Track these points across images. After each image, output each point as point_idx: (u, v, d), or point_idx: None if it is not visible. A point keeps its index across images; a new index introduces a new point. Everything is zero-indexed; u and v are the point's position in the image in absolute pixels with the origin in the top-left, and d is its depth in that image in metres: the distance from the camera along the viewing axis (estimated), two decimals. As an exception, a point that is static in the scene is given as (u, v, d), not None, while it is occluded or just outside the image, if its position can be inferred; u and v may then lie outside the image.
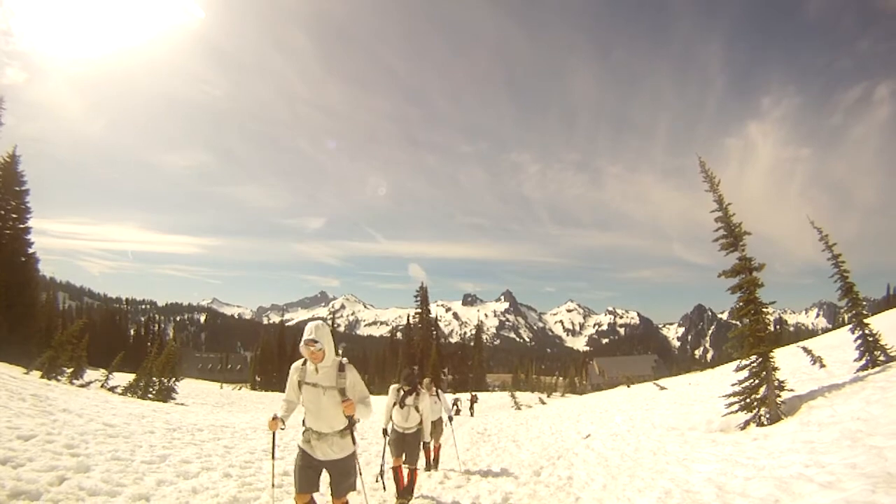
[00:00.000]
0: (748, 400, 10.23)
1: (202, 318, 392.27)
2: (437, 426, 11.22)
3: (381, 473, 8.18)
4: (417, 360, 75.97)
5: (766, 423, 9.80)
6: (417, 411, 8.25)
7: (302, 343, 5.17)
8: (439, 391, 11.01)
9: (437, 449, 11.46)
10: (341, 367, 5.35)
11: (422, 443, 8.96)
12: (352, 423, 5.44)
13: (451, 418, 11.43)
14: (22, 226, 31.46)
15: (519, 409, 35.63)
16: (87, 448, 7.71)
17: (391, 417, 8.59)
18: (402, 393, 8.67)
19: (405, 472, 8.37)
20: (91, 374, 23.61)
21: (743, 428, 10.02)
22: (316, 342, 5.13)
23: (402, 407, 8.61)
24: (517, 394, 45.07)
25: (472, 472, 10.66)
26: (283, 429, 5.68)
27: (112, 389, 21.02)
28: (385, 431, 8.58)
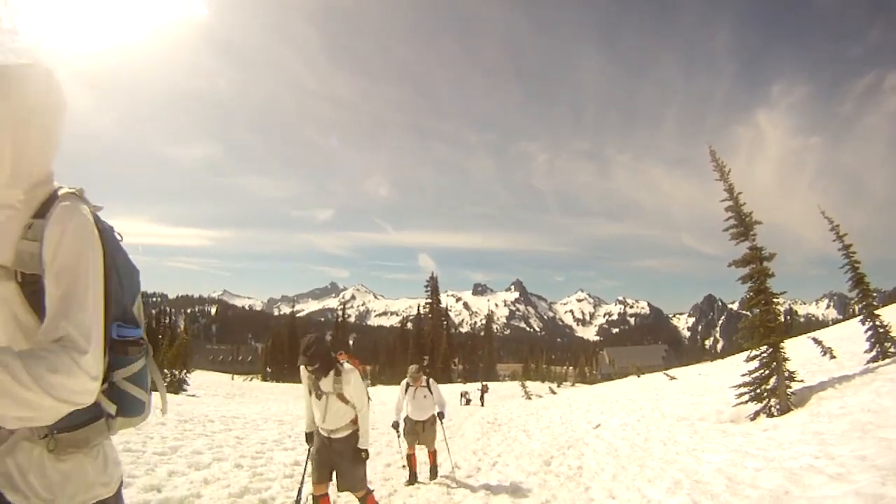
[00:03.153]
0: (758, 390, 10.20)
1: (213, 310, 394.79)
2: (428, 427, 9.23)
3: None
4: (428, 350, 76.14)
5: (776, 413, 9.77)
6: (344, 401, 5.27)
7: None
8: (431, 382, 9.37)
9: (433, 456, 9.46)
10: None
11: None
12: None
13: (441, 414, 9.41)
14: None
15: (529, 398, 35.65)
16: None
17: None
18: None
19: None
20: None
21: (753, 419, 9.99)
22: None
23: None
24: (527, 383, 45.12)
25: (482, 462, 10.69)
26: None
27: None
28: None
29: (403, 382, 9.29)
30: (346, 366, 5.38)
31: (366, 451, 5.47)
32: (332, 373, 5.23)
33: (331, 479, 5.51)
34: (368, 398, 5.67)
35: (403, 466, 9.49)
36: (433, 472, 9.39)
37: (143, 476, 7.00)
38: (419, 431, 9.15)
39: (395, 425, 9.10)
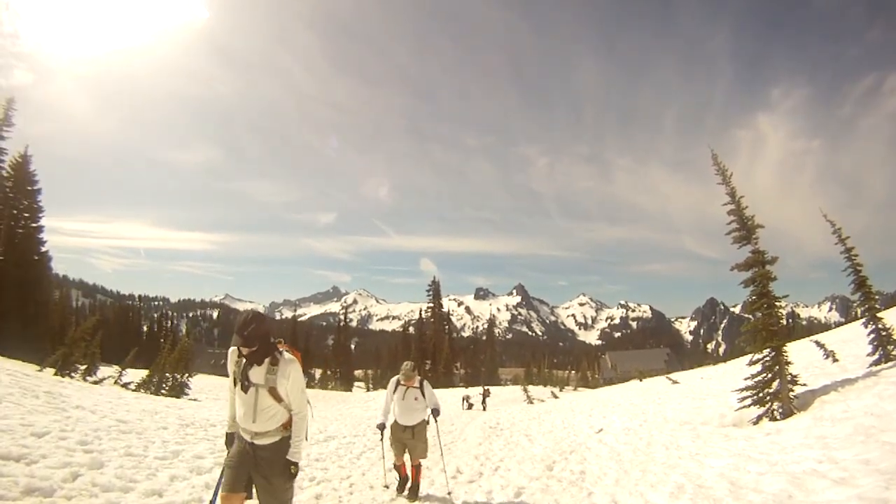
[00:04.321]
0: (761, 394, 10.19)
1: (215, 314, 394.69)
2: (417, 434, 8.01)
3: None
4: (430, 354, 76.11)
5: (778, 417, 9.76)
6: (276, 398, 4.46)
7: None
8: (425, 383, 8.14)
9: (416, 470, 8.22)
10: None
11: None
12: None
13: (435, 411, 8.18)
14: (34, 224, 31.82)
15: (531, 403, 35.60)
16: (100, 444, 7.77)
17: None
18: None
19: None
20: (104, 371, 23.75)
21: (755, 423, 9.99)
22: None
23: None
24: (529, 388, 45.01)
25: (484, 467, 10.67)
26: None
27: (125, 386, 21.14)
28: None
29: (392, 381, 8.10)
30: (286, 355, 4.55)
31: (296, 464, 4.62)
32: (267, 361, 4.47)
33: (247, 495, 4.54)
34: (308, 403, 4.80)
35: (387, 483, 8.60)
36: (412, 492, 8.05)
37: (144, 481, 6.98)
38: (407, 439, 7.95)
39: (381, 427, 7.89)
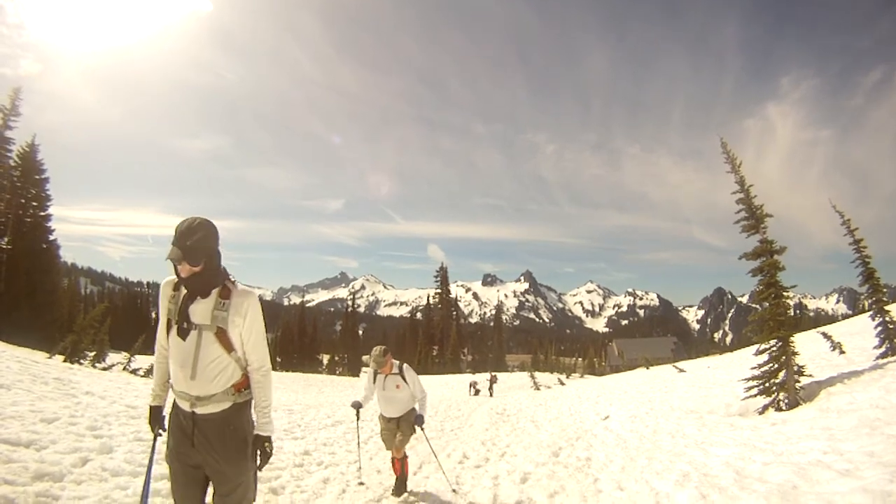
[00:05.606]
0: (767, 384, 10.20)
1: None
2: (403, 426, 7.16)
3: None
4: (437, 340, 76.35)
5: (784, 408, 9.77)
6: (226, 346, 3.25)
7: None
8: (405, 368, 7.13)
9: (400, 463, 7.29)
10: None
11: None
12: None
13: (420, 419, 7.11)
14: (43, 213, 32.14)
15: (538, 389, 35.68)
16: (109, 430, 7.81)
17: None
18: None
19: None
20: (113, 357, 23.93)
21: (761, 412, 10.00)
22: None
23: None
24: (536, 374, 45.07)
25: (491, 452, 10.74)
26: None
27: (134, 372, 21.27)
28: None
29: (370, 370, 7.20)
30: (241, 286, 3.40)
31: (268, 440, 3.42)
32: (215, 293, 3.27)
33: (204, 492, 3.34)
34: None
35: (362, 480, 7.84)
36: (399, 487, 7.23)
37: (154, 465, 7.07)
38: (393, 430, 7.19)
39: (357, 405, 7.20)
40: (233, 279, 3.41)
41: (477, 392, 33.32)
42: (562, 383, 43.14)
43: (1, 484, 4.76)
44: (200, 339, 3.20)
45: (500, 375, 47.06)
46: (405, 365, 7.16)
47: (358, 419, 7.63)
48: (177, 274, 3.21)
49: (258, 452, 3.42)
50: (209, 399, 3.24)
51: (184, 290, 3.28)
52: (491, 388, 34.99)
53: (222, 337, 3.23)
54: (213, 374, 3.22)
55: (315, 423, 12.98)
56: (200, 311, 3.23)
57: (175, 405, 3.38)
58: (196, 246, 3.09)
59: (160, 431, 3.54)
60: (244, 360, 3.37)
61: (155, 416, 3.54)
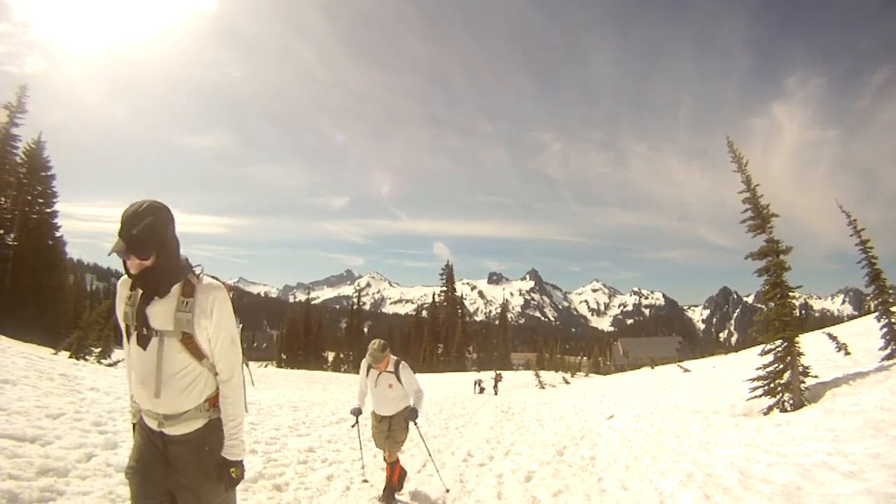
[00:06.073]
0: (772, 385, 10.19)
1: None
2: (395, 426, 6.79)
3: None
4: (442, 338, 76.40)
5: (789, 408, 9.77)
6: (195, 354, 2.76)
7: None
8: (401, 366, 6.74)
9: (392, 468, 6.96)
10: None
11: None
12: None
13: (414, 413, 6.80)
14: (49, 210, 32.17)
15: (543, 388, 35.70)
16: (114, 425, 7.82)
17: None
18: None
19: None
20: (119, 354, 23.92)
21: (766, 413, 9.99)
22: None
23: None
24: (541, 373, 45.10)
25: (495, 451, 10.74)
26: None
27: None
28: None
29: (364, 364, 6.83)
30: (207, 280, 2.84)
31: (238, 465, 2.87)
32: (176, 289, 2.74)
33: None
34: (246, 364, 3.07)
35: (366, 477, 7.74)
36: (387, 494, 6.79)
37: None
38: (384, 430, 6.80)
39: (356, 411, 6.97)
40: (198, 272, 2.85)
41: (482, 390, 33.28)
42: (566, 382, 43.13)
43: (6, 479, 4.78)
44: (163, 348, 2.69)
45: (505, 374, 47.07)
46: (402, 363, 6.78)
47: (357, 424, 7.34)
48: (126, 271, 2.67)
49: (225, 477, 2.84)
50: (179, 417, 2.75)
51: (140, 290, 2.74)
52: (496, 386, 34.96)
53: (189, 343, 2.73)
54: (181, 387, 2.72)
55: (319, 420, 12.99)
56: (160, 313, 2.70)
57: (141, 419, 2.89)
58: (143, 235, 2.54)
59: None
60: (216, 368, 2.86)
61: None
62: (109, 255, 2.58)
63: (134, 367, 2.75)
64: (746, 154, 11.31)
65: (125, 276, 2.75)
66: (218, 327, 2.76)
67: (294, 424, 11.88)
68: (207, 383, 2.81)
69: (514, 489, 7.48)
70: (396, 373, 6.64)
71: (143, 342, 2.69)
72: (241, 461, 2.88)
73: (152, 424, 2.78)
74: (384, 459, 6.98)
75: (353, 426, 7.41)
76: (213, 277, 2.89)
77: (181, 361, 2.70)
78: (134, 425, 2.96)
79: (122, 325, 2.83)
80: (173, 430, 2.75)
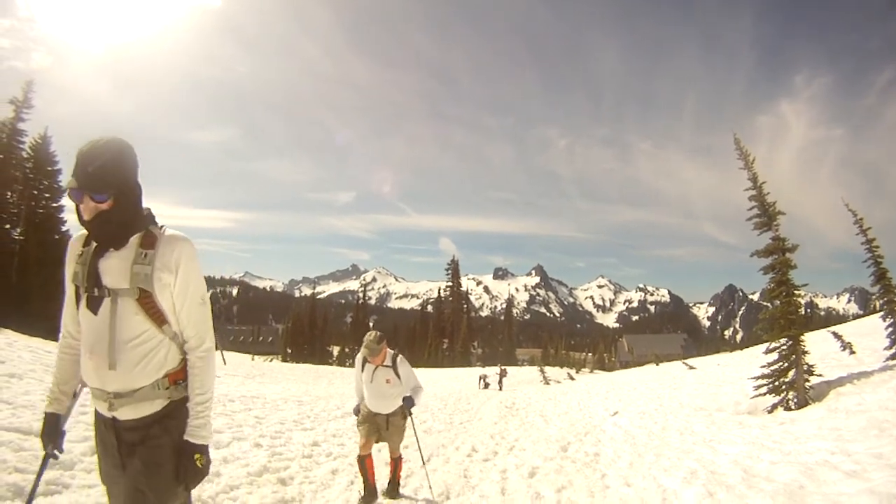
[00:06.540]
0: (776, 383, 10.18)
1: (234, 292, 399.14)
2: (393, 424, 6.40)
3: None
4: (448, 333, 76.49)
5: (793, 407, 9.75)
6: (155, 318, 2.31)
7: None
8: (399, 360, 6.34)
9: (396, 463, 6.78)
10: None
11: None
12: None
13: (410, 400, 6.35)
14: (55, 205, 32.20)
15: (547, 384, 35.72)
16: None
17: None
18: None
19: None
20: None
21: (770, 411, 9.98)
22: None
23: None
24: (546, 369, 45.14)
25: (499, 446, 10.76)
26: None
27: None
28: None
29: (359, 358, 6.31)
30: (170, 231, 2.43)
31: (202, 450, 2.41)
32: (134, 241, 2.34)
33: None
34: (219, 348, 2.48)
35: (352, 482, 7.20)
36: (393, 488, 6.64)
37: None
38: (379, 425, 6.32)
39: (357, 410, 6.56)
40: (161, 225, 2.45)
41: (486, 385, 33.30)
42: (571, 378, 43.17)
43: (12, 472, 4.81)
44: (116, 310, 2.24)
45: (510, 369, 47.07)
46: (400, 357, 6.36)
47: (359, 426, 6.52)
48: (79, 217, 2.23)
49: (185, 467, 2.36)
50: (132, 396, 2.29)
51: (94, 245, 2.33)
52: (500, 381, 34.97)
53: (147, 303, 2.28)
54: (136, 358, 2.27)
55: (324, 414, 13.01)
56: (114, 267, 2.27)
57: (95, 412, 2.45)
58: (101, 174, 2.15)
59: (55, 452, 2.52)
60: (181, 338, 2.42)
61: (50, 427, 2.51)
62: (64, 193, 2.10)
63: (84, 335, 2.32)
64: (753, 151, 11.29)
65: (79, 233, 2.40)
66: (184, 285, 2.35)
67: (299, 418, 11.90)
68: (168, 356, 2.37)
69: (517, 485, 7.49)
70: (394, 367, 6.23)
71: (93, 305, 2.27)
72: (207, 446, 2.42)
73: (102, 409, 2.36)
74: (360, 454, 6.24)
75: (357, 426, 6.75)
76: (177, 232, 2.46)
77: (137, 326, 2.27)
78: (47, 415, 2.53)
79: (70, 288, 2.41)
80: (126, 414, 2.32)
